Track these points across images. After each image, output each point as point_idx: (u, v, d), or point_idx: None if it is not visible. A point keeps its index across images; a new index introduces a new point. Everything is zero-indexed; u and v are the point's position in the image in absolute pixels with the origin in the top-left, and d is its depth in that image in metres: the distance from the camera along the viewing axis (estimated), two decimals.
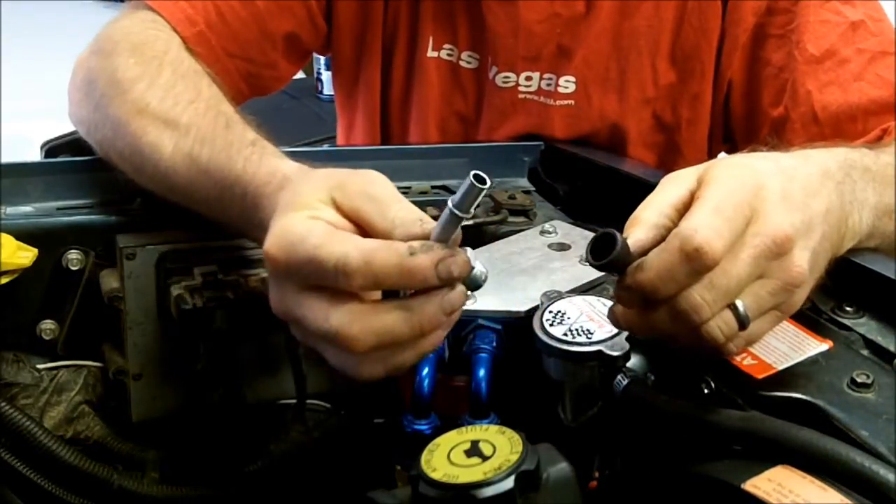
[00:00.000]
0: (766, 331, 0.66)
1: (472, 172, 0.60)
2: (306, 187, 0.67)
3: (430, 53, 1.19)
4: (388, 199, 0.65)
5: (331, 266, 0.60)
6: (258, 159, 0.76)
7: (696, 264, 0.60)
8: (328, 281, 0.61)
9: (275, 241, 0.63)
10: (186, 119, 0.85)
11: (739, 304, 0.62)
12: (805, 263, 0.64)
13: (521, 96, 1.18)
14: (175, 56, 0.96)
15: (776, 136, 1.09)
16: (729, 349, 0.64)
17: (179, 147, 0.83)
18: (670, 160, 1.21)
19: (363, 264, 0.60)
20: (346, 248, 0.61)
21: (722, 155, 1.26)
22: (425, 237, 0.62)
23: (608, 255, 0.61)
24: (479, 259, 0.64)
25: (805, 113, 1.08)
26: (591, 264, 0.62)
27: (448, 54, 1.19)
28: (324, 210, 0.65)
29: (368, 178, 0.67)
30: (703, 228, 0.60)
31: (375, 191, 0.65)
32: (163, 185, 0.86)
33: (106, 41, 0.99)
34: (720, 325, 0.62)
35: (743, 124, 1.16)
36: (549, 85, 1.17)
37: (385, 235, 0.63)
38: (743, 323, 0.62)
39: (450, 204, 0.61)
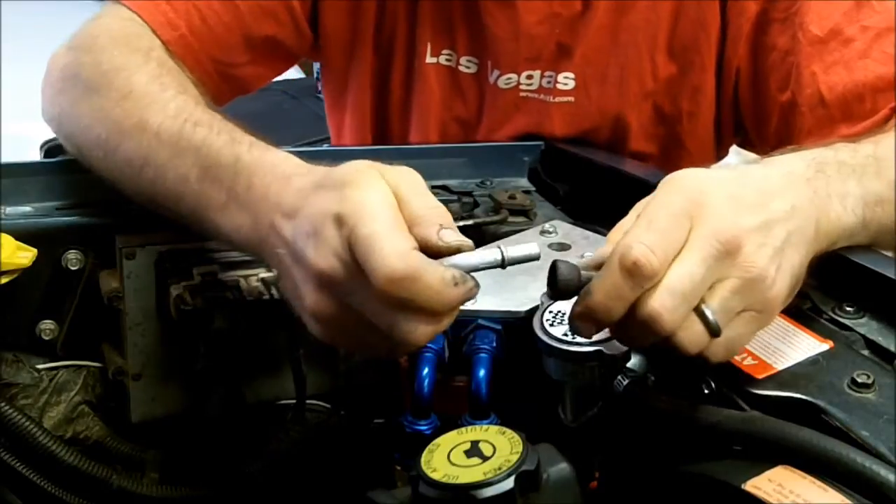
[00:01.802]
0: (746, 335, 0.65)
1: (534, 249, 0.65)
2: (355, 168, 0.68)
3: (430, 59, 1.19)
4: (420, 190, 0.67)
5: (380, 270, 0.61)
6: (265, 146, 0.76)
7: (638, 278, 0.61)
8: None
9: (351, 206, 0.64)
10: (175, 105, 0.84)
11: (707, 310, 0.62)
12: (762, 260, 0.63)
13: (522, 94, 1.18)
14: (159, 55, 0.95)
15: (786, 122, 1.08)
16: (709, 357, 0.64)
17: (165, 125, 0.81)
18: (673, 153, 1.21)
19: (407, 277, 0.61)
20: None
21: (733, 149, 1.25)
22: (439, 245, 0.63)
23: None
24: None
25: (811, 95, 1.06)
26: (549, 294, 0.64)
27: (447, 59, 1.19)
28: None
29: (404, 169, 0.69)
30: (638, 242, 0.61)
31: (414, 177, 0.67)
32: (135, 165, 0.83)
33: (85, 37, 0.98)
34: (689, 334, 0.62)
35: (752, 113, 1.15)
36: (549, 83, 1.17)
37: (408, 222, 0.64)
38: (713, 329, 0.62)
39: (502, 250, 0.64)
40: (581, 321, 0.64)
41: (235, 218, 0.74)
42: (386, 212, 0.64)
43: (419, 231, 0.64)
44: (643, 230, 0.62)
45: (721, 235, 0.63)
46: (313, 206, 0.66)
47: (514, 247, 0.65)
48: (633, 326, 0.62)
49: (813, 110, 1.06)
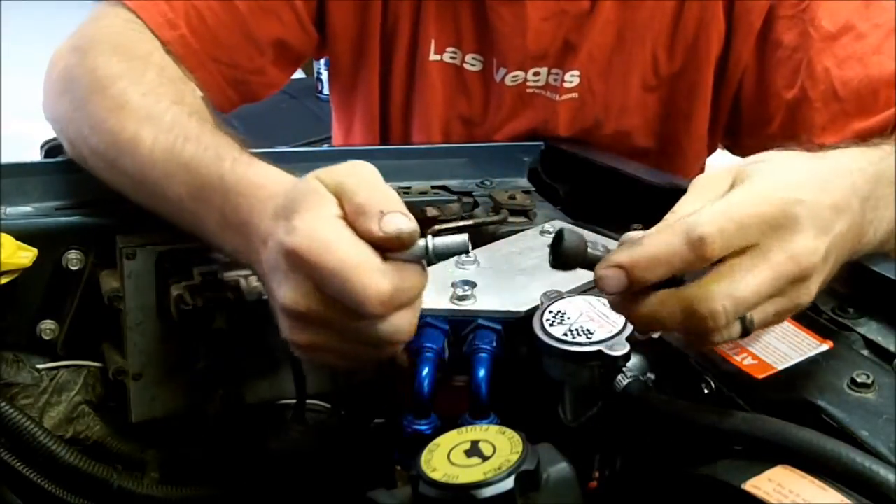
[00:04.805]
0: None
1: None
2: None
3: (433, 57, 1.19)
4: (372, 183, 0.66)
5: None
6: (248, 161, 0.74)
7: (698, 252, 0.59)
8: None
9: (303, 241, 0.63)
10: (170, 118, 0.82)
11: (751, 317, 0.61)
12: (816, 289, 0.63)
13: (528, 90, 1.18)
14: (160, 59, 0.94)
15: (793, 119, 1.07)
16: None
17: (160, 141, 0.80)
18: (669, 150, 1.21)
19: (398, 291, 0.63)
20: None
21: (719, 152, 1.26)
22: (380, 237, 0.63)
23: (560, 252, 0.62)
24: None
25: (825, 91, 1.06)
26: (550, 263, 0.63)
27: (452, 57, 1.19)
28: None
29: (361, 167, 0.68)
30: (710, 224, 0.59)
31: (361, 170, 0.67)
32: (134, 181, 0.82)
33: (85, 39, 0.96)
34: (728, 332, 0.61)
35: (754, 112, 1.15)
36: (555, 80, 1.17)
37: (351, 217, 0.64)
38: (747, 331, 0.62)
39: (430, 244, 0.63)
40: (612, 270, 0.61)
41: (231, 240, 0.73)
42: (337, 233, 0.63)
43: (361, 223, 0.63)
44: (721, 215, 0.60)
45: (805, 265, 0.61)
46: (273, 238, 0.66)
47: (441, 238, 0.64)
48: (683, 311, 0.60)
49: (827, 105, 1.06)
